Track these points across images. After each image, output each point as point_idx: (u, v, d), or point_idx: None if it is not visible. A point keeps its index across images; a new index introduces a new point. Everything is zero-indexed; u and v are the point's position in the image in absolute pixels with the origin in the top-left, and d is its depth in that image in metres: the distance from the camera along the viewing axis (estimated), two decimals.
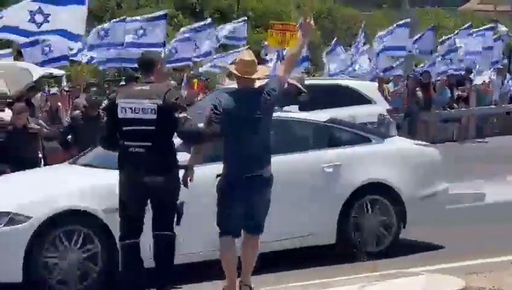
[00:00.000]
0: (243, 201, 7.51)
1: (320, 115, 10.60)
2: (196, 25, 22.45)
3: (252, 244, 7.68)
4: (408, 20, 25.82)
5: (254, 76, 7.64)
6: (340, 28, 33.45)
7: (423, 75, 24.19)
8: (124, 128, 7.70)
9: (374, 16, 42.29)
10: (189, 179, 7.88)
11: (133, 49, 19.85)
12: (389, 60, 25.46)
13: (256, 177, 7.50)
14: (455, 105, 24.39)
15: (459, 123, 24.40)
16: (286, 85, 8.03)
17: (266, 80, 7.85)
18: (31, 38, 16.38)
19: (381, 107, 17.41)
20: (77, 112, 12.42)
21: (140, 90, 7.74)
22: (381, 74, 23.89)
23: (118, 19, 20.13)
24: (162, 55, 20.76)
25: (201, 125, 7.71)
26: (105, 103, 13.08)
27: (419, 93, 22.35)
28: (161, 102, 7.60)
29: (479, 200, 13.33)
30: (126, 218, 7.79)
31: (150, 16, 21.51)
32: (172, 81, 20.83)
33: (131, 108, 7.66)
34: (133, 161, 7.64)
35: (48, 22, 15.58)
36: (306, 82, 15.46)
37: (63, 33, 15.68)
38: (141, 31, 19.98)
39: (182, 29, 22.29)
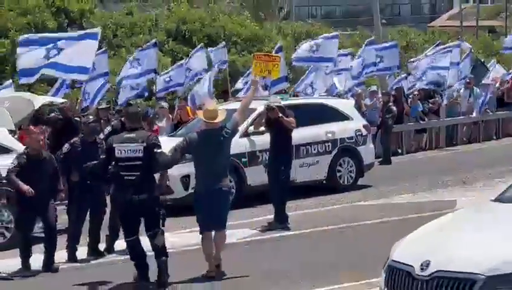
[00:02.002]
0: (207, 207, 10.33)
1: None
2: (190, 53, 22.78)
3: (220, 236, 10.52)
4: (372, 38, 26.35)
5: (216, 120, 10.56)
6: None
7: (396, 90, 24.69)
8: (120, 163, 10.12)
9: (350, 35, 42.88)
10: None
11: (130, 80, 20.28)
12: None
13: (216, 189, 10.32)
14: (425, 117, 24.85)
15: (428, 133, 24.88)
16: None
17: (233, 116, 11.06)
18: (43, 71, 16.43)
19: (357, 122, 17.90)
20: (76, 138, 12.44)
21: (129, 137, 10.20)
22: (356, 88, 24.26)
23: (101, 50, 19.98)
24: (157, 81, 21.26)
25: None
26: (107, 129, 13.32)
27: (393, 107, 22.78)
28: (145, 144, 10.07)
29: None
30: (125, 224, 10.38)
31: (142, 47, 21.86)
32: (164, 103, 21.19)
33: (125, 150, 10.11)
34: (127, 185, 10.05)
35: (59, 54, 15.85)
36: (288, 102, 16.02)
37: (70, 68, 15.93)
38: (135, 62, 20.33)
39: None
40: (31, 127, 13.13)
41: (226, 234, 10.61)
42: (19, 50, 16.21)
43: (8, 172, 11.23)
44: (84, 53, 15.79)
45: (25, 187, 10.92)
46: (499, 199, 7.43)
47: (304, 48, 23.04)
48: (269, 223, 13.55)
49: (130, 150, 10.08)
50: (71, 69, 15.93)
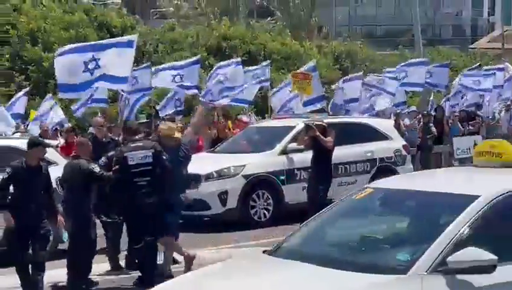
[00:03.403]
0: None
1: None
2: (225, 62, 22.77)
3: (165, 240, 11.19)
4: (423, 59, 26.29)
5: (175, 135, 11.47)
6: (358, 67, 33.87)
7: (437, 110, 24.56)
8: (132, 170, 10.81)
9: (390, 55, 42.72)
10: None
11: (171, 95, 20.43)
12: (403, 95, 25.80)
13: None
14: None
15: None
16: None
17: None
18: (88, 91, 16.45)
19: (397, 142, 17.84)
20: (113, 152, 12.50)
21: (137, 145, 11.02)
22: (395, 108, 24.22)
23: (144, 65, 20.13)
24: (200, 97, 21.31)
25: None
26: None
27: (433, 128, 22.64)
28: (153, 150, 10.90)
29: None
30: (134, 230, 10.92)
31: (184, 62, 21.97)
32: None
33: (136, 157, 10.87)
34: (139, 189, 10.75)
35: (99, 67, 15.93)
36: (330, 120, 15.95)
37: (111, 79, 16.00)
38: (178, 77, 20.43)
39: (215, 71, 22.65)
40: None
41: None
42: (56, 62, 16.37)
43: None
44: (121, 61, 15.85)
45: None
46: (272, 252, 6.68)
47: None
48: None
49: (141, 156, 10.87)
50: (112, 80, 16.01)
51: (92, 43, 17.25)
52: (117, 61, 15.78)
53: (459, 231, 5.79)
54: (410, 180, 7.55)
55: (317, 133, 13.70)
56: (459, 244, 5.69)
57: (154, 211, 10.78)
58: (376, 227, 6.66)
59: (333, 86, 23.48)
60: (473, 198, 6.02)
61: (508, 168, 6.59)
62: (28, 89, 21.09)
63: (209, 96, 21.25)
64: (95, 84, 15.67)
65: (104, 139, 13.84)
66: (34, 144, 10.54)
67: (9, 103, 21.49)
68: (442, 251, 5.65)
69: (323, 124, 14.08)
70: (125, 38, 17.84)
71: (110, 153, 12.09)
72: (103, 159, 11.86)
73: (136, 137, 11.37)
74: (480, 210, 5.91)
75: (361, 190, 6.98)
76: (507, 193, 6.06)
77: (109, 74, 15.75)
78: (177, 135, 11.58)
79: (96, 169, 10.80)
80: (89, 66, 15.66)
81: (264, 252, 6.68)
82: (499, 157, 6.61)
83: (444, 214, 6.22)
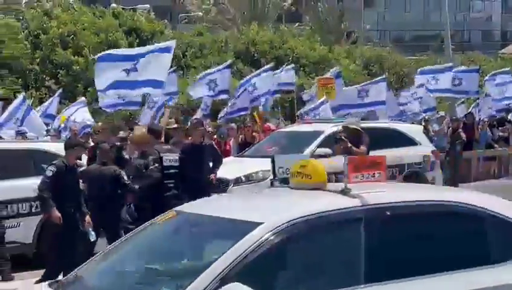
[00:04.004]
0: None
1: None
2: (256, 72, 22.82)
3: None
4: (450, 64, 26.17)
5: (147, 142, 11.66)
6: (388, 73, 33.79)
7: (467, 116, 24.44)
8: (165, 171, 11.31)
9: (419, 61, 42.53)
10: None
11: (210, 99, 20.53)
12: (432, 100, 25.72)
13: None
14: (495, 145, 24.53)
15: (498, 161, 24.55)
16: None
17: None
18: (123, 92, 16.56)
19: (426, 148, 17.76)
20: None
21: (168, 148, 11.64)
22: (423, 113, 24.14)
23: (171, 69, 20.16)
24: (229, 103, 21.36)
25: None
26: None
27: (462, 134, 22.53)
28: (179, 154, 11.53)
29: None
30: None
31: (216, 68, 22.06)
32: (232, 124, 21.39)
33: (169, 159, 11.41)
34: (169, 191, 11.20)
35: (136, 70, 16.04)
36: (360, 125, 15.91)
37: (148, 83, 16.08)
38: (213, 84, 20.51)
39: (241, 82, 22.71)
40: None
41: None
42: (96, 69, 16.54)
43: None
44: (158, 66, 15.93)
45: None
46: None
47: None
48: None
49: (171, 159, 11.35)
50: (146, 83, 16.09)
51: (133, 52, 17.41)
52: (154, 65, 15.91)
53: (229, 263, 5.06)
54: (212, 203, 6.87)
55: (349, 145, 13.65)
56: (227, 279, 4.98)
57: None
58: (161, 256, 6.02)
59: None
60: (253, 225, 5.29)
61: (317, 190, 5.90)
62: (60, 91, 21.18)
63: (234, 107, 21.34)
64: (135, 90, 15.82)
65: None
66: (73, 145, 10.81)
67: (43, 106, 21.60)
68: (205, 287, 4.96)
69: (358, 128, 14.01)
70: (163, 44, 17.97)
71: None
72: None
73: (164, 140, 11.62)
74: (258, 240, 5.18)
75: (167, 213, 6.39)
76: (292, 221, 5.34)
77: (146, 78, 15.87)
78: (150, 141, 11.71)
79: (125, 177, 10.89)
80: (129, 76, 15.85)
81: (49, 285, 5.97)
82: (309, 178, 5.93)
83: (221, 243, 5.47)
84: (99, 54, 16.92)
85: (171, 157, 11.36)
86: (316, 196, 5.83)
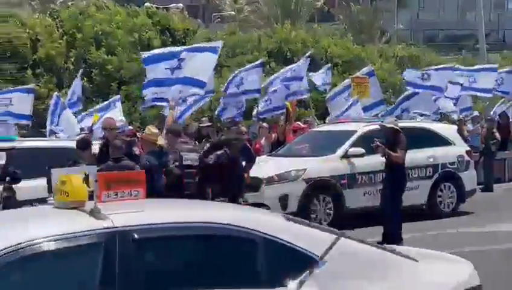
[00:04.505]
0: None
1: None
2: (288, 68, 22.69)
3: None
4: (493, 65, 25.97)
5: (158, 142, 11.74)
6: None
7: (501, 116, 24.23)
8: (185, 170, 11.35)
9: (453, 60, 42.15)
10: None
11: (233, 98, 20.45)
12: (468, 100, 25.52)
13: None
14: None
15: None
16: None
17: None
18: (164, 89, 16.60)
19: (460, 148, 17.62)
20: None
21: (189, 147, 11.66)
22: (459, 113, 23.96)
23: None
24: (260, 102, 21.28)
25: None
26: (207, 145, 13.44)
27: (497, 134, 22.35)
28: (199, 154, 11.59)
29: None
30: None
31: (248, 66, 22.03)
32: (264, 123, 21.36)
33: (189, 158, 11.44)
34: (187, 190, 11.23)
35: (180, 68, 16.06)
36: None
37: (190, 81, 16.10)
38: (238, 79, 20.45)
39: (271, 78, 22.62)
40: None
41: None
42: (148, 71, 16.60)
43: None
44: (203, 66, 15.94)
45: None
46: None
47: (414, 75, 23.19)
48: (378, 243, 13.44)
49: (191, 159, 11.42)
50: (188, 81, 16.10)
51: (178, 48, 17.52)
52: (200, 65, 15.95)
53: None
54: None
55: (387, 151, 13.65)
56: None
57: None
58: None
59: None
60: None
61: (75, 209, 5.27)
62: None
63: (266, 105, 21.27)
64: (176, 86, 15.84)
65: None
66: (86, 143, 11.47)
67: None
68: None
69: (396, 127, 13.97)
70: (210, 43, 18.03)
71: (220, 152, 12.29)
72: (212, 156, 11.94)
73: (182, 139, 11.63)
74: None
75: None
76: (12, 247, 4.77)
77: (190, 76, 15.89)
78: (160, 141, 11.67)
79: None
80: (171, 63, 15.87)
81: None
82: (66, 196, 5.28)
83: None
84: (145, 55, 16.89)
85: (191, 157, 11.33)
86: (61, 216, 5.24)
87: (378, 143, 13.84)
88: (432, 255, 6.42)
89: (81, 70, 21.97)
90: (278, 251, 5.34)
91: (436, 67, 25.16)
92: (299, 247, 5.38)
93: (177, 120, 19.07)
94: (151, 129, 12.17)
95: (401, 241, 13.34)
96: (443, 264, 6.07)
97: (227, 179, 11.90)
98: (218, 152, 11.91)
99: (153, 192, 10.88)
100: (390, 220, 13.53)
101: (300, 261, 5.36)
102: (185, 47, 18.22)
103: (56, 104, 18.22)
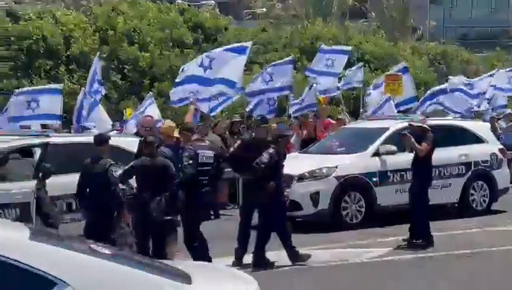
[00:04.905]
0: None
1: None
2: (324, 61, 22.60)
3: None
4: None
5: (174, 135, 11.61)
6: (454, 69, 33.37)
7: None
8: (200, 168, 11.17)
9: (487, 57, 41.91)
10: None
11: (262, 95, 20.42)
12: (503, 98, 25.30)
13: None
14: None
15: None
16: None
17: None
18: (199, 87, 16.72)
19: (493, 146, 17.48)
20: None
21: (205, 145, 11.59)
22: (491, 111, 23.76)
23: None
24: (291, 98, 21.24)
25: None
26: (238, 142, 13.45)
27: None
28: (215, 152, 11.52)
29: None
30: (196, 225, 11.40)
31: (277, 62, 22.00)
32: (294, 120, 21.34)
33: (205, 156, 11.35)
34: (202, 188, 11.21)
35: (211, 68, 16.16)
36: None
37: (222, 81, 16.23)
38: (267, 76, 20.38)
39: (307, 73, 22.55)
40: None
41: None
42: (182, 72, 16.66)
43: None
44: (233, 67, 16.01)
45: None
46: None
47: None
48: (404, 240, 13.48)
49: (207, 156, 11.33)
50: (220, 82, 16.17)
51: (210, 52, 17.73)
52: (230, 65, 16.08)
53: None
54: None
55: (412, 141, 13.61)
56: None
57: (209, 212, 11.92)
58: None
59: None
60: None
61: None
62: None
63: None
64: (208, 87, 15.98)
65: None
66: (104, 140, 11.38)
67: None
68: None
69: (424, 126, 13.92)
70: (240, 44, 18.17)
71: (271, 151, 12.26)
72: (266, 155, 11.96)
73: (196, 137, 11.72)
74: None
75: None
76: None
77: (221, 76, 16.02)
78: (176, 134, 11.67)
79: (173, 169, 11.03)
80: (203, 61, 15.98)
81: None
82: None
83: None
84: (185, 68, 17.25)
85: (206, 155, 11.37)
86: None
87: (406, 132, 13.86)
88: (213, 273, 6.12)
89: (98, 54, 21.80)
90: (9, 273, 4.94)
91: (478, 78, 24.94)
92: (37, 269, 4.96)
93: (208, 114, 19.17)
94: (168, 123, 12.26)
95: (429, 238, 13.31)
96: (220, 286, 5.67)
97: (279, 176, 12.06)
98: (270, 150, 11.99)
99: (166, 185, 11.06)
100: (417, 217, 13.50)
101: (37, 285, 4.95)
102: (215, 50, 18.41)
103: (83, 100, 18.20)
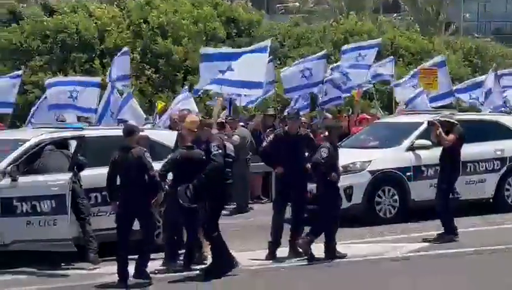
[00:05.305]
0: None
1: None
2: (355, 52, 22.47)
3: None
4: None
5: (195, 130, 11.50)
6: (489, 64, 33.07)
7: None
8: (226, 159, 11.26)
9: None
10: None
11: (301, 90, 20.39)
12: None
13: None
14: None
15: None
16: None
17: None
18: (218, 87, 16.88)
19: None
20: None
21: (225, 139, 11.78)
22: None
23: (268, 59, 19.82)
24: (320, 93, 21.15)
25: None
26: (270, 137, 13.39)
27: None
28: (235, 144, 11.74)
29: None
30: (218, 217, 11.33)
31: (311, 56, 21.93)
32: (328, 114, 21.29)
33: (231, 148, 11.49)
34: (228, 179, 11.34)
35: (232, 70, 16.27)
36: (459, 117, 15.50)
37: (245, 84, 16.33)
38: (307, 72, 20.33)
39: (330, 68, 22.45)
40: None
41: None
42: (200, 67, 16.92)
43: None
44: (255, 68, 16.07)
45: None
46: None
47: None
48: (438, 235, 13.45)
49: (232, 149, 11.52)
50: (243, 84, 16.27)
51: (229, 51, 17.81)
52: (252, 67, 16.13)
53: None
54: None
55: (439, 130, 13.56)
56: None
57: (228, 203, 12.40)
58: None
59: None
60: None
61: None
62: (186, 88, 21.20)
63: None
64: (230, 88, 16.07)
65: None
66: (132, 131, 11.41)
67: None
68: None
69: (451, 120, 13.84)
70: (258, 45, 18.23)
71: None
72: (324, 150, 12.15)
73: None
74: None
75: None
76: None
77: (244, 79, 16.11)
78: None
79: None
80: (223, 68, 16.12)
81: None
82: None
83: None
84: (202, 51, 17.31)
85: (231, 147, 11.57)
86: None
87: (433, 120, 13.81)
88: None
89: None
90: None
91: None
92: None
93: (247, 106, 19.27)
94: (192, 118, 12.24)
95: (455, 231, 13.32)
96: None
97: (335, 167, 12.29)
98: (327, 144, 12.19)
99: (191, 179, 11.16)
100: (443, 212, 13.49)
101: None
102: (237, 50, 18.46)
103: (110, 95, 18.23)
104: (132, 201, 10.84)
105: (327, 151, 12.10)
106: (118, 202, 11.06)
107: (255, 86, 16.54)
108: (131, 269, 10.81)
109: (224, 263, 11.12)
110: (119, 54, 19.46)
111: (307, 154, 12.88)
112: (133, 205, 10.85)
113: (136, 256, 10.85)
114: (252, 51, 16.98)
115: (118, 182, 11.16)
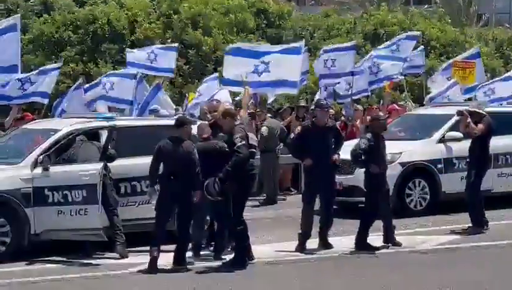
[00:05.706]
0: None
1: None
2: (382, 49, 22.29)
3: None
4: None
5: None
6: None
7: None
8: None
9: None
10: None
11: (326, 80, 20.26)
12: None
13: None
14: None
15: None
16: None
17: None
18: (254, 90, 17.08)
19: None
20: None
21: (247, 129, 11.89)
22: None
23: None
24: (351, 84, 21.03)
25: None
26: (298, 129, 13.32)
27: None
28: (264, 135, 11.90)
29: None
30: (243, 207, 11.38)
31: (341, 46, 21.81)
32: (358, 106, 21.20)
33: (254, 139, 11.77)
34: (251, 170, 11.40)
35: (269, 71, 16.43)
36: (490, 109, 15.37)
37: (281, 84, 16.52)
38: (330, 62, 20.19)
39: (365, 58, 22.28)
40: None
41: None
42: (225, 59, 17.16)
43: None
44: (290, 68, 16.28)
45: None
46: None
47: None
48: (467, 228, 13.43)
49: (255, 139, 11.77)
50: (279, 84, 16.48)
51: (262, 49, 17.97)
52: (286, 67, 16.34)
53: None
54: None
55: (468, 120, 13.47)
56: None
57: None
58: None
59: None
60: None
61: None
62: (216, 74, 21.22)
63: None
64: (266, 88, 16.26)
65: None
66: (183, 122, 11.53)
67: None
68: None
69: (480, 111, 13.73)
70: (292, 45, 18.45)
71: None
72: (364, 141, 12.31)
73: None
74: None
75: None
76: None
77: (280, 78, 16.32)
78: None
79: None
80: (258, 69, 16.29)
81: None
82: None
83: None
84: (229, 47, 17.65)
85: (254, 137, 11.74)
86: None
87: (463, 110, 13.70)
88: None
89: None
90: None
91: None
92: None
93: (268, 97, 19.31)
94: (223, 107, 12.32)
95: (485, 224, 13.22)
96: None
97: (382, 158, 12.31)
98: (368, 135, 12.32)
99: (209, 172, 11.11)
100: (473, 204, 13.41)
101: None
102: (268, 48, 18.50)
103: (136, 86, 18.25)
104: (176, 191, 10.96)
105: (366, 142, 12.08)
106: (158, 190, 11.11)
107: (290, 84, 16.82)
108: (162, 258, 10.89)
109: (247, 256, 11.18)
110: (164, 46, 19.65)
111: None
112: (177, 195, 10.97)
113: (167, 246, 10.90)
114: (285, 51, 17.19)
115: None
